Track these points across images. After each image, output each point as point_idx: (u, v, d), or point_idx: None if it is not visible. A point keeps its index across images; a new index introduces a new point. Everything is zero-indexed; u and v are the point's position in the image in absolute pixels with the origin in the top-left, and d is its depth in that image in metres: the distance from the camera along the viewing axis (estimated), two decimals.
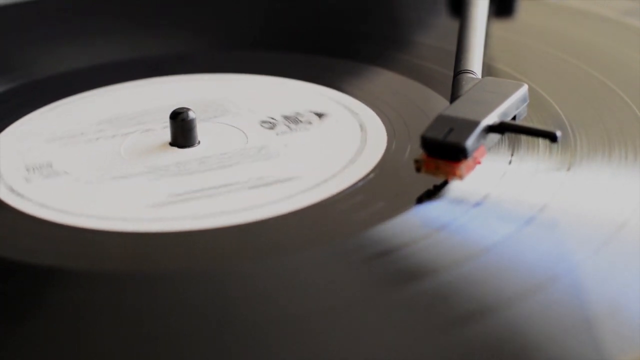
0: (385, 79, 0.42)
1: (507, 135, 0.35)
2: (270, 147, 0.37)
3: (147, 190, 0.35)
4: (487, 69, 0.41)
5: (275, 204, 0.33)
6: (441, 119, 0.33)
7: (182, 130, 0.37)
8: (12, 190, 0.35)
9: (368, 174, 0.35)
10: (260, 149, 0.37)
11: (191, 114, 0.37)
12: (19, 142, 0.39)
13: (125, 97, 0.42)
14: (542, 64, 0.43)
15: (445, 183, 0.33)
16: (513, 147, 0.35)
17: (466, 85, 0.35)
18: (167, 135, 0.38)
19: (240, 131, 0.38)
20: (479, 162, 0.33)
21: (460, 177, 0.32)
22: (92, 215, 0.33)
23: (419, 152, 0.33)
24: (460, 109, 0.33)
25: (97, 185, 0.35)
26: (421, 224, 0.32)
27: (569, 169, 0.34)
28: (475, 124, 0.32)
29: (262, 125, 0.38)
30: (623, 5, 0.47)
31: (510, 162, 0.35)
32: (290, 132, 0.38)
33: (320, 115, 0.39)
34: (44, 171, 0.37)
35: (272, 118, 0.39)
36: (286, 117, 0.39)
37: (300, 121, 0.38)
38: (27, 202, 0.34)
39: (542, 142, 0.35)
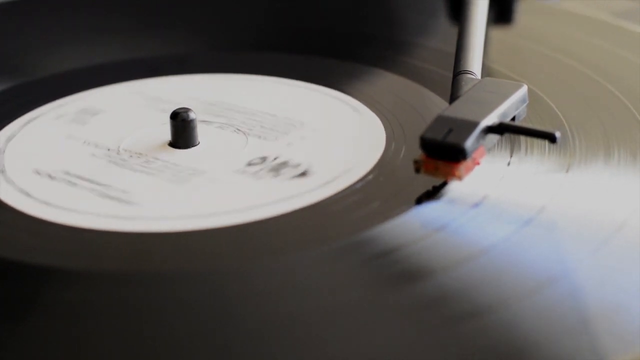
0: (384, 80, 0.42)
1: (506, 137, 0.35)
2: (207, 175, 0.35)
3: (61, 160, 0.37)
4: (487, 71, 0.41)
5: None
6: (440, 120, 0.33)
7: (176, 130, 0.37)
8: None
9: (367, 175, 0.35)
10: (200, 174, 0.35)
11: (191, 115, 0.37)
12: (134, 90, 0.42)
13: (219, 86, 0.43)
14: (541, 66, 0.43)
15: (444, 184, 0.33)
16: (512, 149, 0.35)
17: (466, 86, 0.35)
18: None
19: (243, 153, 0.37)
20: (478, 163, 0.33)
21: (460, 178, 0.32)
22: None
23: (417, 153, 0.33)
24: (459, 110, 0.33)
25: (66, 141, 0.38)
26: (420, 225, 0.32)
27: (567, 171, 0.34)
28: (474, 124, 0.32)
29: (251, 161, 0.36)
30: (620, 8, 0.48)
31: (509, 164, 0.35)
32: (251, 177, 0.35)
33: (303, 174, 0.35)
34: (81, 117, 0.40)
35: (274, 157, 0.36)
36: (282, 164, 0.36)
37: (280, 173, 0.35)
38: None
39: (541, 143, 0.35)
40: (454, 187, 0.33)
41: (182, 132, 0.37)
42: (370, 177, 0.35)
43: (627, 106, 0.38)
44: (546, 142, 0.34)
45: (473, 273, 0.29)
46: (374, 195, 0.33)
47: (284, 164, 0.36)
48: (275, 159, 0.36)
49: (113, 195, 0.34)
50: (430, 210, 0.32)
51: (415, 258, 0.30)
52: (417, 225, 0.32)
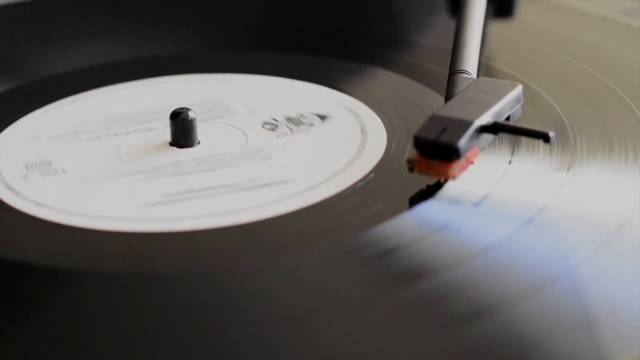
0: (385, 79, 0.42)
1: (507, 136, 0.35)
2: (268, 148, 0.37)
3: (142, 190, 0.35)
4: (487, 69, 0.41)
5: (275, 204, 0.33)
6: (434, 119, 0.33)
7: (181, 130, 0.37)
8: (10, 188, 0.35)
9: (368, 174, 0.35)
10: (259, 150, 0.37)
11: (191, 114, 0.37)
12: (19, 139, 0.39)
13: (127, 97, 0.42)
14: (542, 64, 0.43)
15: (444, 183, 0.33)
16: (513, 147, 0.35)
17: (461, 85, 0.35)
18: (168, 135, 0.38)
19: (241, 132, 0.38)
20: (472, 162, 0.33)
21: (453, 177, 0.32)
22: (86, 215, 0.33)
23: (414, 152, 0.33)
24: (453, 109, 0.33)
25: (93, 184, 0.35)
26: (421, 225, 0.32)
27: (569, 169, 0.34)
28: (468, 124, 0.32)
29: (263, 127, 0.38)
30: (622, 5, 0.47)
31: (510, 162, 0.34)
32: (291, 133, 0.38)
33: (322, 118, 0.38)
34: (43, 169, 0.37)
35: (274, 119, 0.39)
36: (289, 119, 0.39)
37: (302, 123, 0.38)
38: (24, 200, 0.34)
39: (542, 142, 0.35)
40: (454, 186, 0.33)
41: (186, 130, 0.37)
42: (371, 176, 0.35)
43: (629, 104, 0.38)
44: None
45: (474, 272, 0.29)
46: (374, 195, 0.33)
47: (294, 119, 0.38)
48: (276, 120, 0.39)
49: (251, 186, 0.34)
50: (431, 209, 0.32)
51: (416, 257, 0.30)
52: (418, 224, 0.32)
